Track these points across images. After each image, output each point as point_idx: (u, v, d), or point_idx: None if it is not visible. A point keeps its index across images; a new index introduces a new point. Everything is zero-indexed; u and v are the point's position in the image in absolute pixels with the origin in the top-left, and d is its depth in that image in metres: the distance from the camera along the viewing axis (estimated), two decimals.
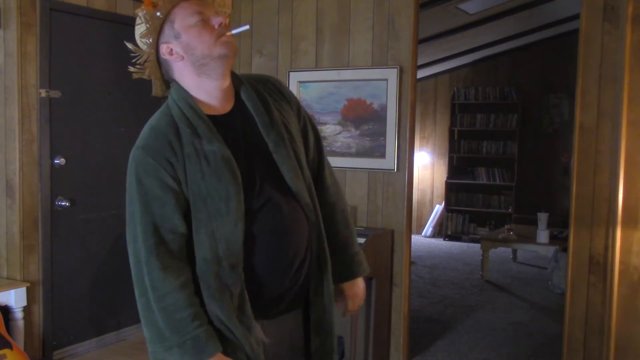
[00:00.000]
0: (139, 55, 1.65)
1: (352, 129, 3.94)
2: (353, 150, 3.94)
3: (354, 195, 3.93)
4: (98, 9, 4.02)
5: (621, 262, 3.19)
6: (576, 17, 4.19)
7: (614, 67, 3.22)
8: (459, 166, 9.04)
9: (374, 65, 3.82)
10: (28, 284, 3.66)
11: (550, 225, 6.45)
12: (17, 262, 3.68)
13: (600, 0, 3.24)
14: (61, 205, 3.88)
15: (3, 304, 3.53)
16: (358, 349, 3.61)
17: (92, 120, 4.08)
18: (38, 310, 3.78)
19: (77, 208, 4.00)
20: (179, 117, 1.57)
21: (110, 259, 4.25)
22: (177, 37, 1.58)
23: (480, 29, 6.70)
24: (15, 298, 3.55)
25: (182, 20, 1.57)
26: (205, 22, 1.57)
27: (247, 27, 1.70)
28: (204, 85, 1.61)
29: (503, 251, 7.55)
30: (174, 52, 1.59)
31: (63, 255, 3.92)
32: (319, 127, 3.95)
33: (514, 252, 7.44)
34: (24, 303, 3.61)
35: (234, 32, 1.62)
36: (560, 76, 8.20)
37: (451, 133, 8.98)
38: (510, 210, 8.56)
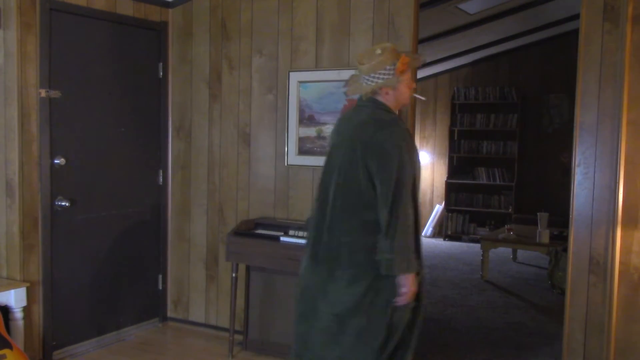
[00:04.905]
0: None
1: None
2: None
3: None
4: (98, 9, 4.02)
5: (621, 262, 3.19)
6: (576, 17, 4.19)
7: (614, 67, 3.22)
8: (459, 166, 9.04)
9: None
10: (28, 284, 3.66)
11: (550, 225, 6.45)
12: (17, 262, 3.69)
13: (600, 0, 3.24)
14: (61, 205, 3.88)
15: (3, 304, 3.53)
16: None
17: (92, 120, 4.08)
18: (38, 310, 3.78)
19: (77, 208, 4.00)
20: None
21: (110, 259, 4.25)
22: (394, 88, 2.59)
23: (480, 29, 6.70)
24: (15, 298, 3.55)
25: (408, 81, 2.63)
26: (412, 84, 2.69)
27: (424, 99, 2.49)
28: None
29: (503, 251, 7.55)
30: (389, 94, 2.61)
31: (63, 255, 3.92)
32: (319, 127, 4.00)
33: (514, 252, 7.44)
34: (24, 303, 3.61)
35: (415, 95, 2.90)
36: (560, 76, 8.20)
37: (451, 133, 8.98)
38: (510, 210, 8.56)
